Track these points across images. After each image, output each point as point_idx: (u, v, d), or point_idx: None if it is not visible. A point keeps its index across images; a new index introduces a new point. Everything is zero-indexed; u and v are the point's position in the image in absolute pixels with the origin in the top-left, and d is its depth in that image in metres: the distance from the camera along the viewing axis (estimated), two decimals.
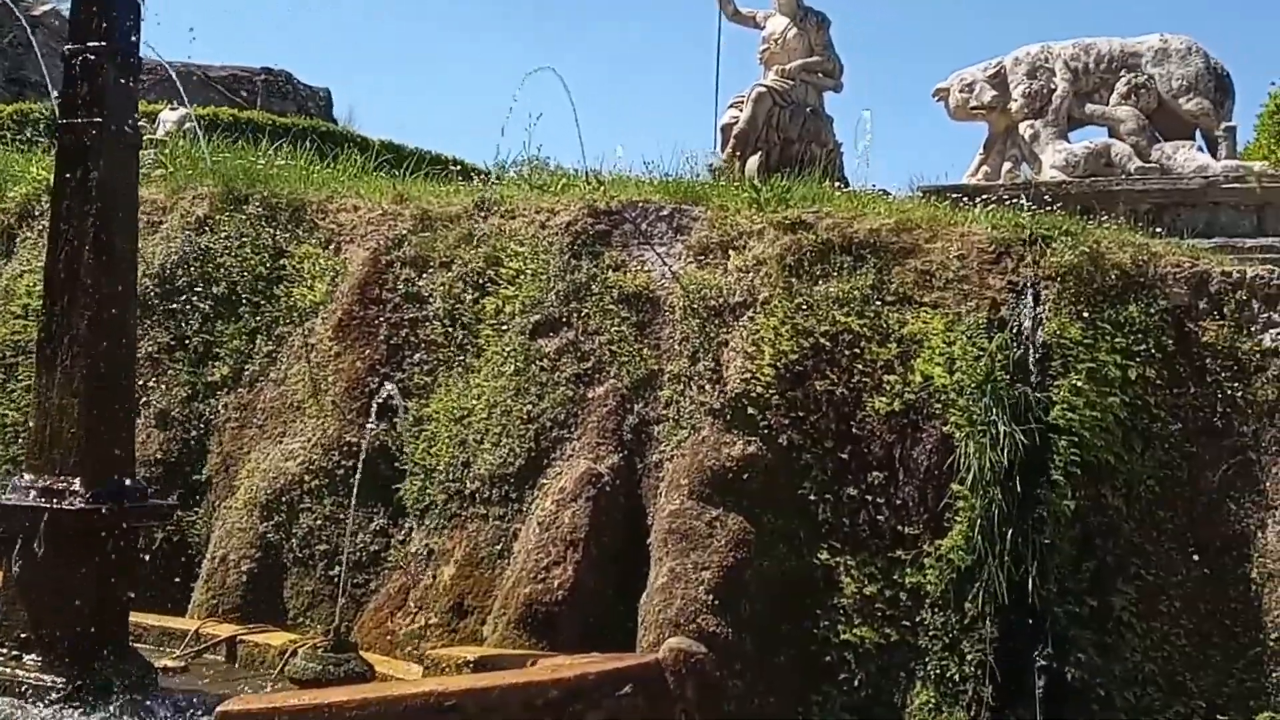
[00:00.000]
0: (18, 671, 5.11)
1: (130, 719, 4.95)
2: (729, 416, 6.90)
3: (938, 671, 6.46)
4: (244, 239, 8.33)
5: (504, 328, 7.50)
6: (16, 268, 8.83)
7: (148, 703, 5.17)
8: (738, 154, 11.93)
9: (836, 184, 9.77)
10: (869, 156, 11.83)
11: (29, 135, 11.35)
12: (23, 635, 5.14)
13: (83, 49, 5.30)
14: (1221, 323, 6.66)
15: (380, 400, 6.27)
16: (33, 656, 5.11)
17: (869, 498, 6.74)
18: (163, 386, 8.16)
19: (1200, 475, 6.51)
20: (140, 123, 11.66)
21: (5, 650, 5.21)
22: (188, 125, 9.99)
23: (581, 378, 7.25)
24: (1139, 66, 10.04)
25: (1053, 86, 10.10)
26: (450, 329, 7.64)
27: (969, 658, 6.41)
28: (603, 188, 7.86)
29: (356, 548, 7.31)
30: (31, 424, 5.36)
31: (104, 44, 5.26)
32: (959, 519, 6.53)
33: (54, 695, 5.01)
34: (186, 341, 8.22)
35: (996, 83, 10.30)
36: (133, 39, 5.46)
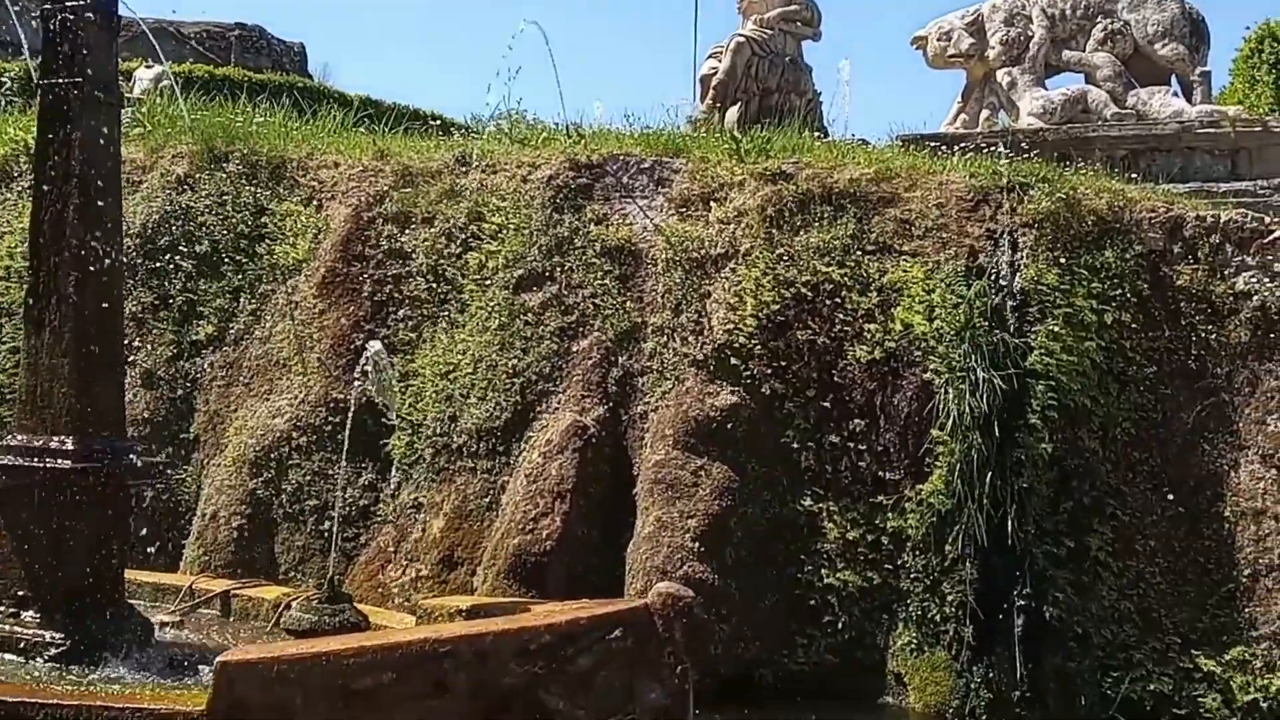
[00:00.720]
0: (16, 628, 5.16)
1: (128, 672, 5.01)
2: (712, 367, 6.99)
3: (919, 613, 6.62)
4: (225, 197, 8.32)
5: (487, 283, 7.55)
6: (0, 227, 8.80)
7: (145, 656, 5.24)
8: (717, 105, 11.94)
9: (816, 134, 9.81)
10: (848, 106, 11.84)
11: (11, 96, 11.23)
12: (20, 593, 5.18)
13: (61, 7, 5.26)
14: (1196, 266, 6.77)
15: (368, 357, 6.31)
16: (30, 613, 5.16)
17: (851, 445, 6.86)
18: (148, 346, 8.18)
19: (1175, 417, 6.65)
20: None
21: (4, 607, 5.24)
22: (164, 83, 9.94)
23: (566, 331, 7.31)
24: (1115, 12, 10.08)
25: (1030, 33, 10.13)
26: (434, 284, 7.68)
27: (949, 599, 6.56)
28: (584, 141, 7.89)
29: (346, 502, 7.39)
30: (21, 384, 5.38)
31: (82, 2, 5.24)
32: (939, 464, 6.66)
33: (52, 650, 5.06)
34: (170, 301, 8.23)
35: (974, 30, 10.32)
36: None
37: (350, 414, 6.69)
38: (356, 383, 7.23)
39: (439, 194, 7.89)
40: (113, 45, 5.51)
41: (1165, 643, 6.42)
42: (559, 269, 7.44)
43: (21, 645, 5.12)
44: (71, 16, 5.27)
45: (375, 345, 6.41)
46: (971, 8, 10.62)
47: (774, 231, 7.16)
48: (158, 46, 9.57)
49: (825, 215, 7.15)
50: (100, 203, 5.33)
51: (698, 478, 6.81)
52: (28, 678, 4.79)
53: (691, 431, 6.89)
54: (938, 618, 6.59)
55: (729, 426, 6.88)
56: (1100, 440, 6.65)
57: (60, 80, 5.31)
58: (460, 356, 7.44)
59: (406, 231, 7.86)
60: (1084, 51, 10.11)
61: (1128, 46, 10.03)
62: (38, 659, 5.07)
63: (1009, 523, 6.48)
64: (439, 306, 7.65)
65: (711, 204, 7.40)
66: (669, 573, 6.56)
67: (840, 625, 6.71)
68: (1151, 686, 6.34)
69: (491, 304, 7.47)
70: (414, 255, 7.78)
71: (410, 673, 4.05)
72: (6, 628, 5.18)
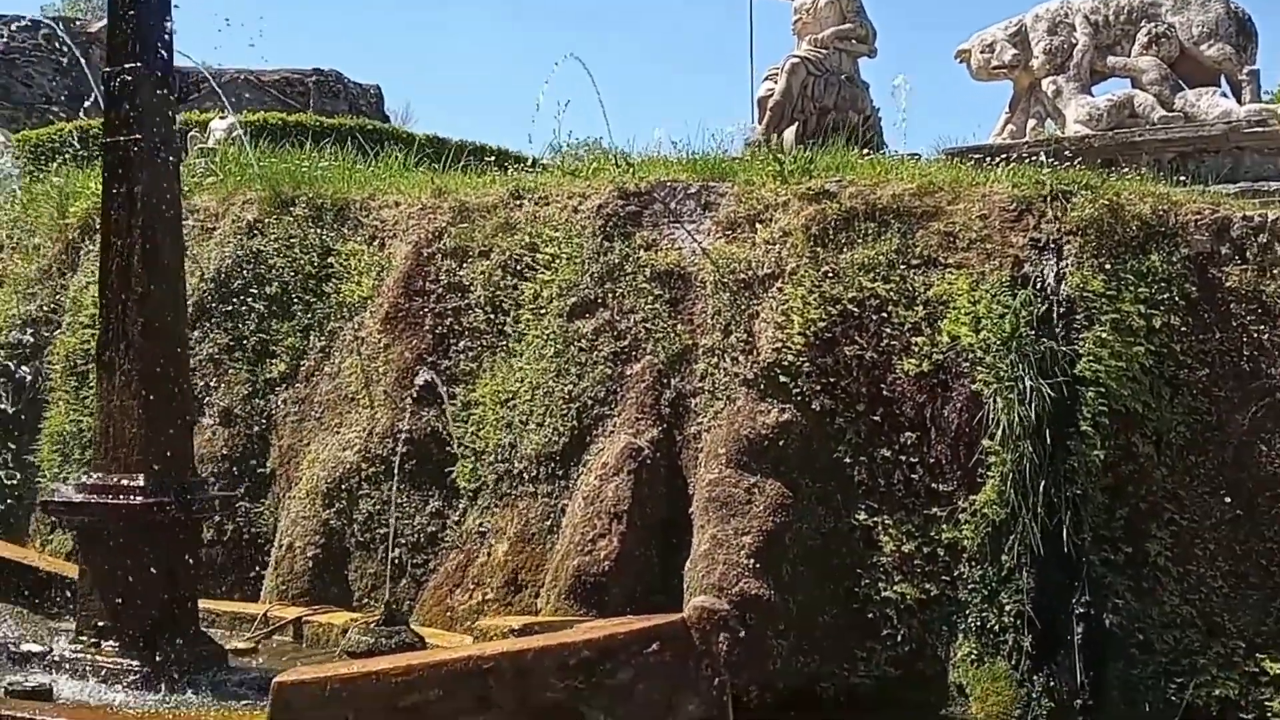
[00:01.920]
0: (97, 657, 5.48)
1: (201, 697, 5.28)
2: (762, 386, 7.09)
3: (978, 623, 6.63)
4: (293, 240, 8.66)
5: (543, 311, 7.75)
6: (82, 279, 9.25)
7: (218, 681, 5.52)
8: (774, 126, 12.06)
9: (873, 150, 9.87)
10: (905, 121, 11.90)
11: (91, 151, 11.78)
12: (100, 623, 5.51)
13: (120, 70, 5.62)
14: (1245, 267, 6.70)
15: (419, 386, 6.55)
16: (110, 642, 5.48)
17: (903, 458, 6.90)
18: (224, 385, 8.54)
19: (1229, 419, 6.58)
20: (193, 132, 12.10)
21: (85, 638, 5.58)
22: (236, 133, 10.36)
23: (619, 356, 7.48)
24: (1159, 16, 9.98)
25: (1073, 41, 10.08)
26: (492, 315, 7.91)
27: (1008, 609, 6.57)
28: (632, 169, 8.06)
29: (414, 530, 7.64)
30: (95, 425, 5.71)
31: (139, 65, 5.57)
32: (991, 474, 6.67)
33: (131, 677, 5.37)
34: (244, 341, 8.58)
35: (1017, 41, 10.30)
36: (167, 58, 5.76)
37: (398, 442, 6.90)
38: (420, 413, 7.49)
39: (494, 228, 8.13)
40: (170, 104, 5.84)
41: (1229, 647, 6.34)
42: (610, 295, 7.61)
43: (103, 673, 5.44)
44: (130, 78, 5.61)
45: (425, 375, 6.65)
46: (1014, 18, 10.61)
47: (819, 250, 7.24)
48: (226, 98, 9.99)
49: (869, 231, 7.22)
50: (162, 252, 5.66)
51: (751, 495, 6.91)
52: (106, 704, 5.08)
53: (744, 450, 6.99)
54: (996, 628, 6.59)
55: (781, 443, 6.97)
56: (1154, 445, 6.60)
57: (121, 138, 5.66)
58: (519, 384, 7.66)
59: (464, 265, 8.11)
60: (1129, 56, 10.03)
61: (1173, 49, 9.92)
62: (117, 686, 5.37)
63: (1064, 531, 6.47)
64: (497, 336, 7.87)
65: (757, 225, 7.51)
66: (725, 589, 6.67)
67: (900, 637, 6.74)
68: (1216, 692, 6.26)
69: (547, 332, 7.67)
70: (472, 288, 8.02)
71: (455, 689, 4.23)
72: (88, 657, 5.49)
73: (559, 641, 4.41)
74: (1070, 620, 6.47)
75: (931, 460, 6.87)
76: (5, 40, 18.39)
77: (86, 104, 8.74)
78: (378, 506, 7.72)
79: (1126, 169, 7.62)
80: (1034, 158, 7.64)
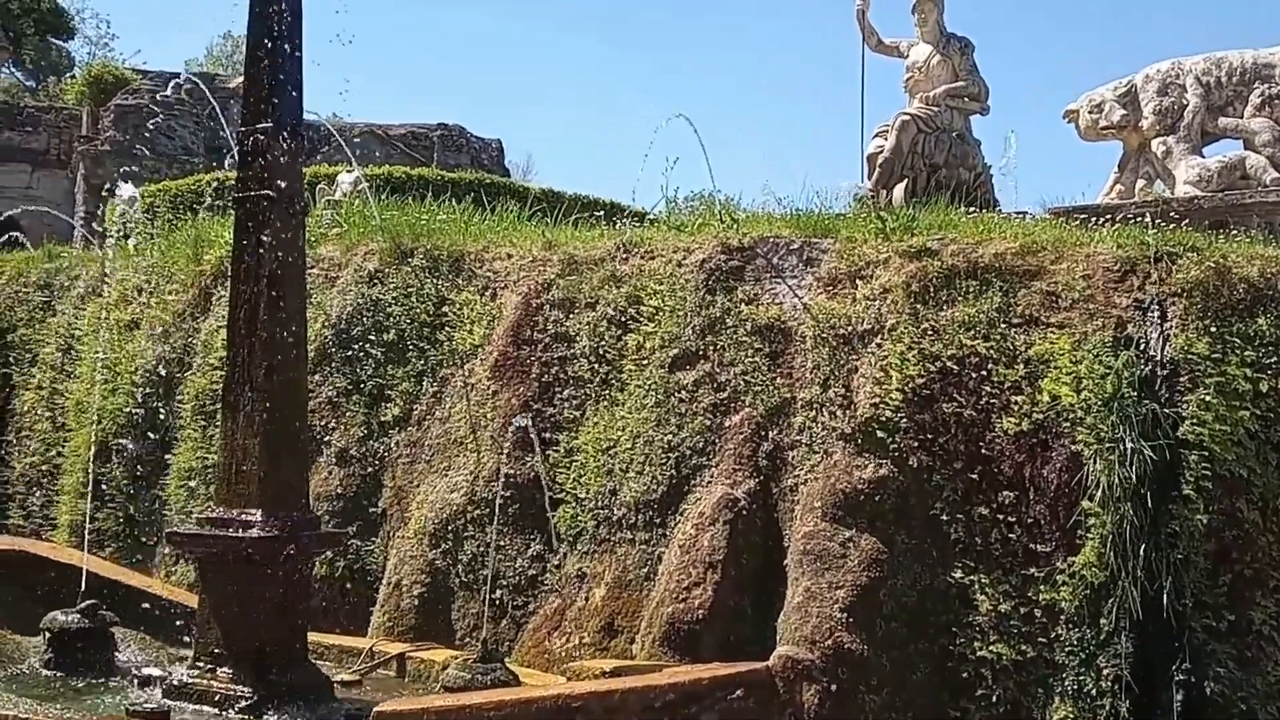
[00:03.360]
0: (212, 683, 5.79)
1: None
2: (860, 440, 7.15)
3: (1075, 687, 6.55)
4: (410, 289, 9.02)
5: (645, 362, 7.94)
6: (213, 324, 9.74)
7: (324, 709, 5.77)
8: (883, 182, 12.15)
9: (986, 208, 9.90)
10: (1016, 178, 11.88)
11: (225, 201, 12.41)
12: (215, 650, 5.82)
13: (253, 129, 6.02)
14: None
15: (515, 432, 6.79)
16: (224, 669, 5.78)
17: (1000, 516, 6.88)
18: (342, 427, 8.90)
19: None
20: (321, 185, 12.64)
21: (202, 664, 5.89)
22: (361, 186, 10.83)
23: (718, 407, 7.62)
24: (1272, 77, 9.82)
25: (1184, 102, 10.00)
26: (596, 365, 8.13)
27: (1105, 673, 6.48)
28: (736, 225, 8.23)
29: (516, 572, 7.85)
30: (219, 462, 6.05)
31: (271, 125, 5.96)
32: (1091, 536, 6.62)
33: (242, 704, 5.65)
34: (361, 385, 8.94)
35: (1126, 101, 10.24)
36: (297, 117, 6.15)
37: (501, 485, 7.10)
38: (527, 458, 7.71)
39: (601, 280, 8.36)
40: (298, 160, 6.23)
41: None
42: (711, 348, 7.77)
43: (216, 698, 5.73)
44: (262, 137, 6.00)
45: (521, 421, 6.89)
46: (1124, 79, 10.56)
47: (919, 307, 7.30)
48: (351, 153, 10.47)
49: (970, 290, 7.26)
50: (286, 300, 6.00)
51: (846, 549, 6.96)
52: None
53: (839, 504, 7.06)
54: (1094, 692, 6.50)
55: (877, 499, 7.02)
56: (1260, 511, 6.48)
57: (252, 192, 6.04)
58: (620, 433, 7.84)
59: (571, 316, 8.35)
60: (1241, 118, 9.91)
61: None
62: (230, 711, 5.66)
63: (1164, 596, 6.39)
64: (600, 386, 8.08)
65: (858, 281, 7.60)
66: (818, 642, 6.72)
67: (995, 698, 6.69)
68: None
69: (648, 382, 7.85)
70: (578, 338, 8.26)
71: None
72: (204, 683, 5.80)
73: (645, 684, 4.55)
74: (1170, 687, 6.37)
75: (1030, 520, 6.84)
76: (151, 95, 19.47)
77: (230, 160, 9.26)
78: (481, 548, 7.94)
79: (1236, 231, 7.53)
80: (1140, 218, 7.60)
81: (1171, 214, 7.91)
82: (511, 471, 7.90)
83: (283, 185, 6.04)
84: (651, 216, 9.07)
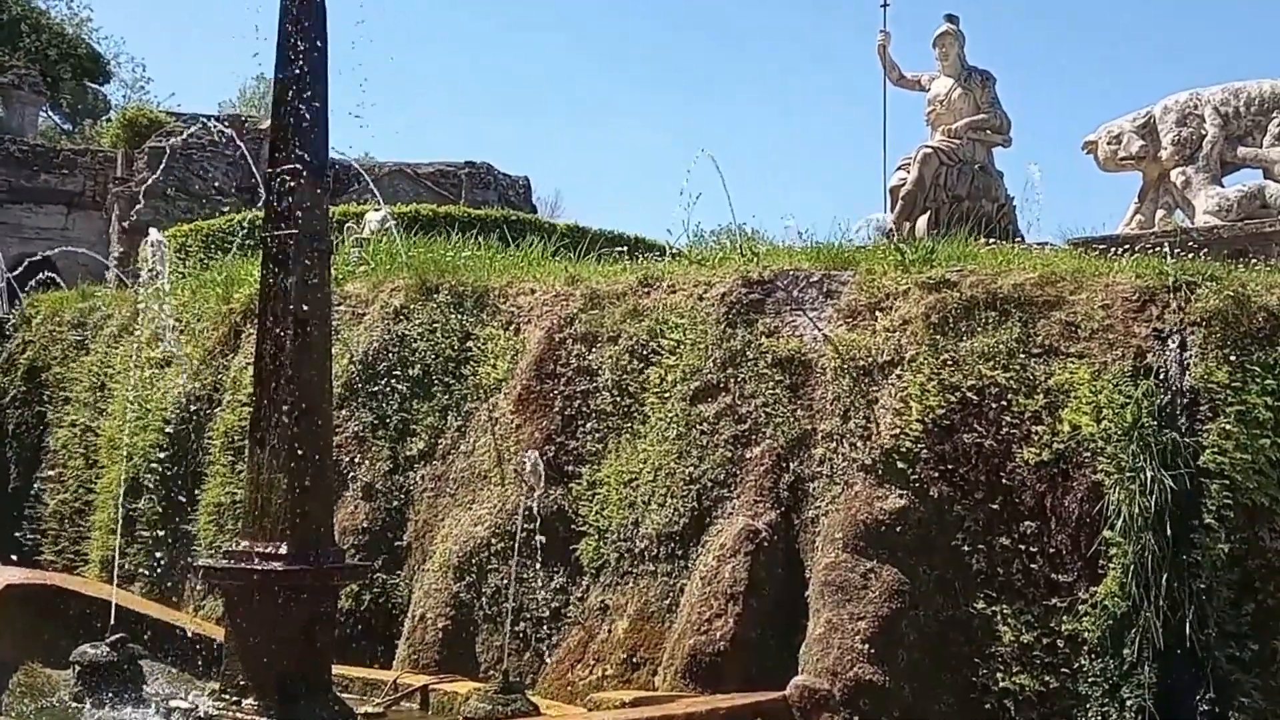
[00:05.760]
0: (238, 714, 5.86)
1: None
2: (880, 471, 7.18)
3: (1099, 717, 6.53)
4: (435, 325, 9.14)
5: (666, 395, 8.00)
6: (242, 360, 9.88)
7: None
8: (906, 214, 12.22)
9: (1008, 239, 9.93)
10: (1039, 209, 11.94)
11: (255, 240, 12.60)
12: (241, 681, 5.89)
13: (280, 171, 6.15)
14: None
15: (526, 469, 6.87)
16: (250, 700, 5.85)
17: (1022, 547, 6.89)
18: (367, 462, 9.00)
19: None
20: (350, 223, 12.83)
21: (228, 695, 5.96)
22: (388, 224, 10.99)
23: (739, 439, 7.66)
24: None
25: (1203, 132, 10.03)
26: (618, 398, 8.20)
27: (1129, 703, 6.45)
28: (756, 258, 8.30)
29: (539, 604, 7.90)
30: (245, 496, 6.15)
31: (297, 166, 6.09)
32: (1113, 565, 6.61)
33: None
34: (387, 420, 9.05)
35: (1144, 132, 10.29)
36: (322, 158, 6.28)
37: (524, 518, 7.17)
38: (545, 491, 7.77)
39: (623, 314, 8.45)
40: (324, 200, 6.35)
41: None
42: (732, 380, 7.82)
43: None
44: (288, 178, 6.13)
45: (532, 457, 6.97)
46: (1142, 110, 10.61)
47: (939, 338, 7.34)
48: (378, 192, 10.63)
49: (990, 320, 7.29)
50: (311, 337, 6.11)
51: (867, 580, 6.97)
52: None
53: (860, 535, 7.08)
54: None
55: (898, 530, 7.04)
56: None
57: (279, 231, 6.17)
58: (642, 465, 7.90)
59: (593, 350, 8.43)
60: (1260, 147, 9.93)
61: None
62: None
63: (1187, 625, 6.36)
64: (623, 419, 8.15)
65: (878, 313, 7.65)
66: (839, 674, 6.73)
67: None
68: None
69: (670, 415, 7.91)
70: (600, 372, 8.33)
71: None
72: (230, 713, 5.87)
73: (662, 714, 4.60)
74: (1194, 718, 6.33)
75: (1051, 550, 6.84)
76: (184, 137, 19.82)
77: (261, 200, 9.42)
78: (505, 581, 8.00)
79: (1256, 260, 7.54)
80: (1159, 248, 7.62)
81: (1191, 244, 7.92)
82: (534, 504, 7.96)
83: (309, 224, 6.16)
84: (674, 251, 9.15)
